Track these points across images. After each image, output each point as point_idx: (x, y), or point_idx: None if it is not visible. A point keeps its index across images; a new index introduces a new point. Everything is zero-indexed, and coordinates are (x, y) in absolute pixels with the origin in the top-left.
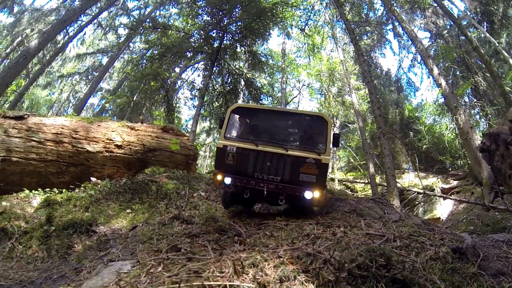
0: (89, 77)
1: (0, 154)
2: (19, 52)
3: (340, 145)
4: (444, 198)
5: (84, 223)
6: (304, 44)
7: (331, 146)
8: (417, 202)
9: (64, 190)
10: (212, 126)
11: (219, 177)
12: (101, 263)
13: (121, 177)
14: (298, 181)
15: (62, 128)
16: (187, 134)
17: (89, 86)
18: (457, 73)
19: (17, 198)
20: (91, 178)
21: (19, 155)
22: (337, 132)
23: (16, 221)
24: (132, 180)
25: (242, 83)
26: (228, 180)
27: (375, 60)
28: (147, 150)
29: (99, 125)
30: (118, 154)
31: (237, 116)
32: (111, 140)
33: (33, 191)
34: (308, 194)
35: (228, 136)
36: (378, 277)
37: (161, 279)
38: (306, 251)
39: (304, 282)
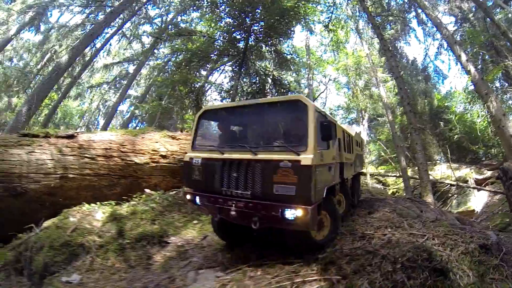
0: (117, 85)
1: (58, 172)
2: (49, 67)
3: (333, 137)
4: (478, 190)
5: (155, 235)
6: (328, 39)
7: (316, 139)
8: (450, 195)
9: (126, 204)
10: None
11: (188, 196)
12: (191, 271)
13: (167, 185)
14: (272, 194)
15: (110, 143)
16: None
17: (118, 94)
18: (486, 57)
19: (78, 212)
20: (145, 190)
21: (74, 171)
22: (326, 120)
23: (89, 236)
24: None
25: (269, 82)
26: (197, 200)
27: (400, 50)
28: None
29: (143, 137)
30: (163, 164)
31: (207, 121)
32: (156, 151)
33: (91, 204)
34: (288, 213)
35: (197, 146)
36: (423, 267)
37: (264, 281)
38: (366, 249)
39: (370, 272)
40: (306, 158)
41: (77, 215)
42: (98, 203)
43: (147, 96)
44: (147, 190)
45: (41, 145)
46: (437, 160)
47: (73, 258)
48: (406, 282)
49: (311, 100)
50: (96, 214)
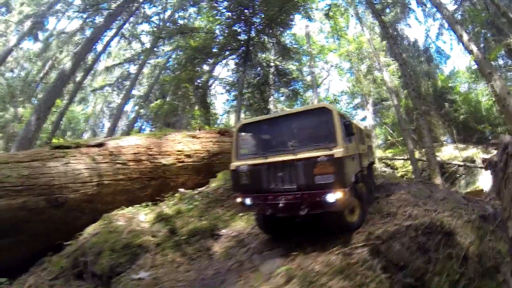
0: (120, 86)
1: (94, 180)
2: (52, 75)
3: (353, 133)
4: (486, 169)
5: (207, 229)
6: (328, 25)
7: (343, 136)
8: (458, 175)
9: (170, 204)
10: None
11: (238, 199)
12: (255, 254)
13: (193, 183)
14: (314, 185)
15: (137, 147)
16: None
17: (121, 95)
18: (488, 36)
19: (120, 216)
20: (179, 189)
21: (109, 178)
22: (347, 120)
23: (144, 237)
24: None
25: (272, 72)
26: (248, 201)
27: (401, 32)
28: (211, 155)
29: (166, 139)
30: (188, 163)
31: (244, 134)
32: (181, 151)
33: (129, 207)
34: (330, 197)
35: (240, 155)
36: (437, 232)
37: (323, 253)
38: (394, 223)
39: (400, 238)
40: (338, 151)
41: (121, 219)
42: (135, 205)
43: (151, 95)
44: (181, 189)
45: (75, 156)
46: (444, 141)
47: (135, 258)
48: (426, 242)
49: (333, 107)
50: (139, 216)
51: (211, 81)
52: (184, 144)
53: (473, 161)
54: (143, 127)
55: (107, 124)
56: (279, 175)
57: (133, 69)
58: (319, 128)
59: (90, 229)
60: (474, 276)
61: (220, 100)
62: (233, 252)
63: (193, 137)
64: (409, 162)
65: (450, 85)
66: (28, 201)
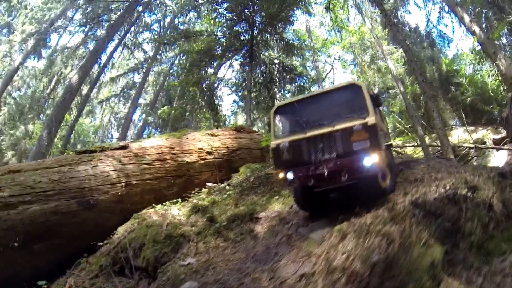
0: (126, 96)
1: (122, 181)
2: (58, 90)
3: (382, 103)
4: (498, 150)
5: (245, 214)
6: (328, 18)
7: (372, 107)
8: (470, 158)
9: (203, 197)
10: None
11: (281, 175)
12: (300, 227)
13: (215, 179)
14: (353, 151)
15: (160, 147)
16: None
17: (128, 104)
18: (490, 15)
19: (149, 213)
20: (207, 184)
21: (136, 178)
22: (375, 93)
23: (183, 228)
24: (259, 176)
25: (276, 69)
26: (290, 175)
27: (401, 19)
28: (231, 151)
29: (187, 138)
30: (210, 160)
31: (280, 115)
32: (202, 148)
33: (159, 205)
34: (367, 161)
35: (278, 134)
36: (462, 187)
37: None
38: (423, 185)
39: (432, 193)
40: (371, 119)
41: (154, 216)
42: (164, 203)
43: (157, 102)
44: (209, 184)
45: (101, 159)
46: (453, 125)
47: (178, 247)
48: (456, 193)
49: (361, 82)
50: (172, 211)
51: (216, 83)
52: (204, 142)
53: (484, 143)
54: (152, 134)
55: (116, 135)
56: (319, 146)
57: (137, 78)
58: (351, 102)
59: (123, 228)
60: (501, 218)
61: (226, 102)
62: (278, 230)
63: (212, 135)
64: (419, 148)
65: (455, 68)
66: (60, 205)
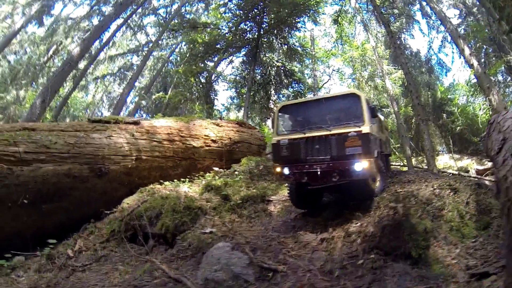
0: (121, 76)
1: (133, 154)
2: (55, 60)
3: (377, 114)
4: (479, 179)
5: (258, 196)
6: (333, 29)
7: (368, 117)
8: None
9: (211, 178)
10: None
11: (278, 169)
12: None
13: (216, 166)
14: (345, 155)
15: (170, 128)
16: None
17: (123, 85)
18: (489, 51)
19: (157, 188)
20: (213, 168)
21: (146, 154)
22: (372, 104)
23: (199, 202)
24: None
25: (276, 72)
26: (286, 170)
27: (404, 42)
28: (233, 143)
29: (194, 124)
30: (213, 148)
31: (284, 113)
32: (207, 136)
33: (166, 182)
34: (358, 166)
35: (280, 131)
36: (446, 188)
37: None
38: (414, 186)
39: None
40: (365, 128)
41: (163, 191)
42: (169, 182)
43: (152, 87)
44: (215, 168)
45: (115, 130)
46: (440, 151)
47: (196, 218)
48: (440, 191)
49: (361, 93)
50: (182, 188)
51: (214, 77)
52: (210, 130)
53: (467, 171)
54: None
55: (106, 114)
56: (316, 147)
57: (135, 59)
58: (349, 110)
59: (130, 200)
60: (475, 213)
61: (221, 97)
62: (292, 209)
63: (217, 125)
64: (405, 168)
65: (449, 96)
66: (73, 169)
